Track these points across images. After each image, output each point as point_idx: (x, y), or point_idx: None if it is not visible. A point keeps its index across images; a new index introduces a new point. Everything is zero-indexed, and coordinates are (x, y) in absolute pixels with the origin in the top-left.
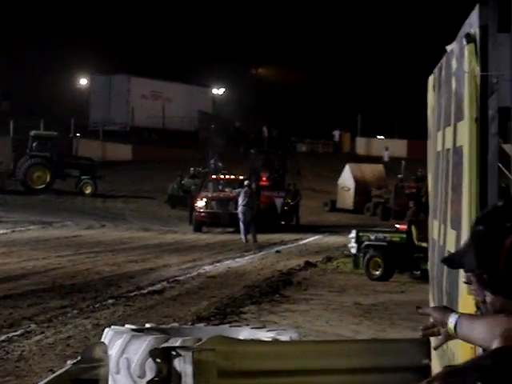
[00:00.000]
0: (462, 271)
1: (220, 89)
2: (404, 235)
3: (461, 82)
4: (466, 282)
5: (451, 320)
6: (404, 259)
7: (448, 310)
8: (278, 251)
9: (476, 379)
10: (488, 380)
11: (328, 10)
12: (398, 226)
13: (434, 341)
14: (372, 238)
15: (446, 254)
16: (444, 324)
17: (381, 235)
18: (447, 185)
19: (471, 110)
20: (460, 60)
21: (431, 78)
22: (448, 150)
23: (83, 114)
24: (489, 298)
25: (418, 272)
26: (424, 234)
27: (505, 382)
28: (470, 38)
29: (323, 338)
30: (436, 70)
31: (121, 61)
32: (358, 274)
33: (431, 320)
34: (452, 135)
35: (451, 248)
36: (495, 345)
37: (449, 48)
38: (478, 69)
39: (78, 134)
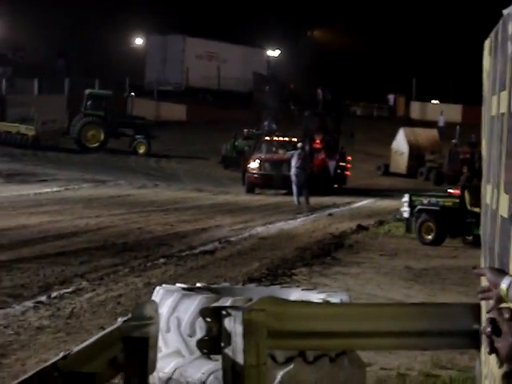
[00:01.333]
0: None
1: (275, 50)
2: (457, 200)
3: None
4: None
5: (505, 281)
6: (456, 224)
7: (503, 272)
8: (330, 214)
9: None
10: None
11: None
12: (450, 190)
13: (485, 306)
14: (425, 202)
15: (499, 219)
16: (497, 285)
17: (434, 200)
18: (501, 150)
19: None
20: None
21: (487, 42)
22: (503, 114)
23: (138, 74)
24: None
25: (470, 237)
26: (477, 200)
27: None
28: None
29: (374, 302)
30: (492, 34)
31: (176, 21)
32: (409, 238)
33: (487, 283)
34: (507, 100)
35: (504, 212)
36: None
37: (506, 11)
38: None
39: (132, 94)
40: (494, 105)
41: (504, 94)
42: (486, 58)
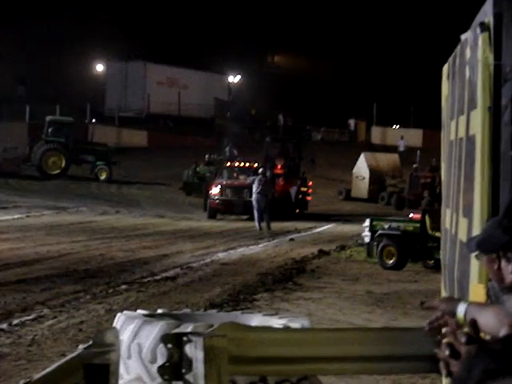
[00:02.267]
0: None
1: (236, 76)
2: (418, 225)
3: (474, 71)
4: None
5: (460, 309)
6: (417, 248)
7: (455, 300)
8: (291, 239)
9: (485, 362)
10: (496, 364)
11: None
12: (411, 215)
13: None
14: (386, 227)
15: (458, 243)
16: (453, 314)
17: (395, 224)
18: (460, 174)
19: (484, 98)
20: (474, 49)
21: (445, 67)
22: (461, 138)
23: (99, 101)
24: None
25: (432, 261)
26: (438, 224)
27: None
28: (484, 27)
29: (335, 326)
30: (450, 59)
31: (137, 47)
32: (371, 263)
33: (437, 313)
34: (465, 124)
35: (463, 236)
36: (503, 332)
37: (463, 37)
38: (491, 57)
39: (93, 120)
40: (452, 129)
41: (462, 119)
42: (445, 83)
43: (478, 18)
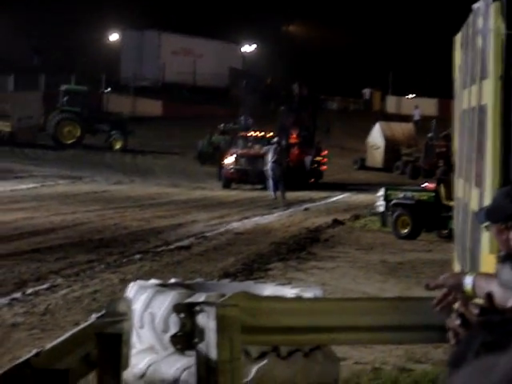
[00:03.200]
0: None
1: (251, 45)
2: (432, 194)
3: (486, 40)
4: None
5: (468, 281)
6: (432, 218)
7: (459, 273)
8: (306, 209)
9: (483, 334)
10: (493, 336)
11: None
12: (425, 184)
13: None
14: (400, 196)
15: (470, 212)
16: (460, 287)
17: (409, 194)
18: (472, 143)
19: (496, 68)
20: (486, 18)
21: (458, 36)
22: (473, 108)
23: (114, 70)
24: None
25: (446, 231)
26: (452, 193)
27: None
28: None
29: (349, 296)
30: (463, 29)
31: (152, 16)
32: (385, 232)
33: (443, 290)
34: (477, 93)
35: (474, 206)
36: (511, 303)
37: (476, 6)
38: (503, 27)
39: (108, 89)
40: (464, 99)
41: (474, 88)
42: (457, 53)
43: None
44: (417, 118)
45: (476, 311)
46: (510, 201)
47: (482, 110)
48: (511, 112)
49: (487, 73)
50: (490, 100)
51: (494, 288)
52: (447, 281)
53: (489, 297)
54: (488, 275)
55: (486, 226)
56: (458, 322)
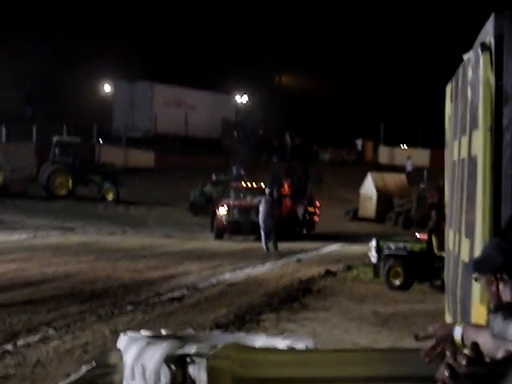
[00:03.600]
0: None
1: (243, 96)
2: (424, 245)
3: (476, 91)
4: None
5: (457, 332)
6: (424, 269)
7: (449, 324)
8: (298, 259)
9: None
10: None
11: (350, 20)
12: (418, 235)
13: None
14: (392, 247)
15: (460, 263)
16: (450, 338)
17: (401, 244)
18: (462, 194)
19: (485, 118)
20: (475, 69)
21: (449, 87)
22: (463, 159)
23: (106, 121)
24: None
25: (439, 282)
26: (444, 244)
27: None
28: (485, 47)
29: (341, 347)
30: (453, 79)
31: (144, 68)
32: (377, 283)
33: (432, 342)
34: (467, 144)
35: (465, 257)
36: (500, 354)
37: (466, 57)
38: (493, 78)
39: (100, 140)
40: (455, 150)
41: (464, 139)
42: (448, 103)
43: (480, 38)
44: (409, 169)
45: (464, 362)
46: (498, 252)
47: (472, 161)
48: (501, 163)
49: (477, 124)
50: (480, 151)
51: (484, 338)
52: (437, 331)
53: (474, 347)
54: (478, 326)
55: (475, 277)
56: (446, 373)
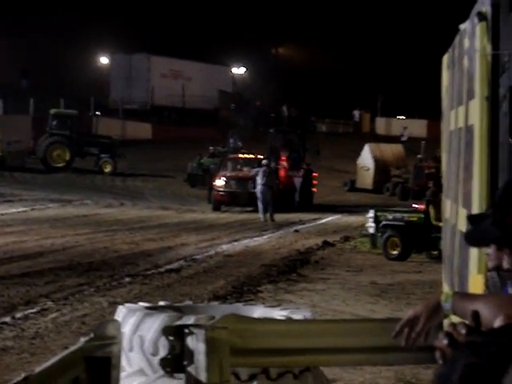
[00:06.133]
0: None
1: (240, 68)
2: (422, 215)
3: (472, 61)
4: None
5: (446, 307)
6: (422, 239)
7: (431, 300)
8: (296, 230)
9: (466, 356)
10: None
11: None
12: (415, 205)
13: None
14: (390, 217)
15: (457, 233)
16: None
17: (399, 215)
18: (459, 164)
19: (482, 88)
20: (472, 38)
21: (445, 57)
22: (460, 128)
23: (103, 93)
24: (507, 260)
25: (436, 252)
26: (441, 214)
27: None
28: (481, 17)
29: (339, 317)
30: (450, 49)
31: (141, 40)
32: (375, 254)
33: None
34: (464, 114)
35: (462, 227)
36: (497, 323)
37: (462, 27)
38: (489, 47)
39: (97, 113)
40: (452, 119)
41: (461, 109)
42: (445, 73)
43: (476, 8)
44: (404, 138)
45: (463, 331)
46: (493, 225)
47: (468, 130)
48: (498, 133)
49: (474, 93)
50: (477, 120)
51: (479, 307)
52: (421, 312)
53: (475, 315)
54: (469, 295)
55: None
56: (445, 341)
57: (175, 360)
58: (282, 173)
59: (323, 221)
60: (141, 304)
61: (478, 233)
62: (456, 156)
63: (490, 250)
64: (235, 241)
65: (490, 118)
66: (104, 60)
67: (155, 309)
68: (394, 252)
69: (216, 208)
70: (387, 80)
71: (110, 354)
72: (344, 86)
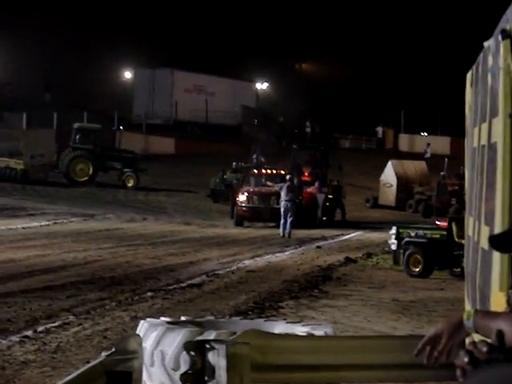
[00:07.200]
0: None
1: (264, 83)
2: (444, 232)
3: (496, 78)
4: None
5: (468, 325)
6: (444, 256)
7: (452, 318)
8: (318, 247)
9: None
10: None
11: (372, 6)
12: (438, 222)
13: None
14: (412, 234)
15: (480, 251)
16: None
17: (421, 232)
18: (482, 181)
19: (505, 105)
20: (496, 56)
21: (469, 75)
22: (483, 146)
23: (127, 108)
24: None
25: (458, 269)
26: (464, 232)
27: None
28: (505, 34)
29: (360, 334)
30: (474, 67)
31: (164, 54)
32: (397, 271)
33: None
34: (487, 131)
35: (484, 245)
36: None
37: (486, 44)
38: None
39: (121, 127)
40: (475, 137)
41: (484, 126)
42: (468, 91)
43: (500, 25)
44: (428, 155)
45: (485, 349)
46: None
47: (491, 148)
48: None
49: (497, 111)
50: (500, 138)
51: (502, 325)
52: (442, 331)
53: (499, 334)
54: (490, 312)
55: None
56: (466, 359)
57: (196, 375)
58: (305, 189)
59: (345, 237)
60: (162, 319)
61: (505, 237)
62: (479, 173)
63: None
64: (257, 256)
65: None
66: (128, 74)
67: (177, 324)
68: (416, 269)
69: (238, 223)
70: (410, 96)
71: (131, 369)
72: (367, 102)
